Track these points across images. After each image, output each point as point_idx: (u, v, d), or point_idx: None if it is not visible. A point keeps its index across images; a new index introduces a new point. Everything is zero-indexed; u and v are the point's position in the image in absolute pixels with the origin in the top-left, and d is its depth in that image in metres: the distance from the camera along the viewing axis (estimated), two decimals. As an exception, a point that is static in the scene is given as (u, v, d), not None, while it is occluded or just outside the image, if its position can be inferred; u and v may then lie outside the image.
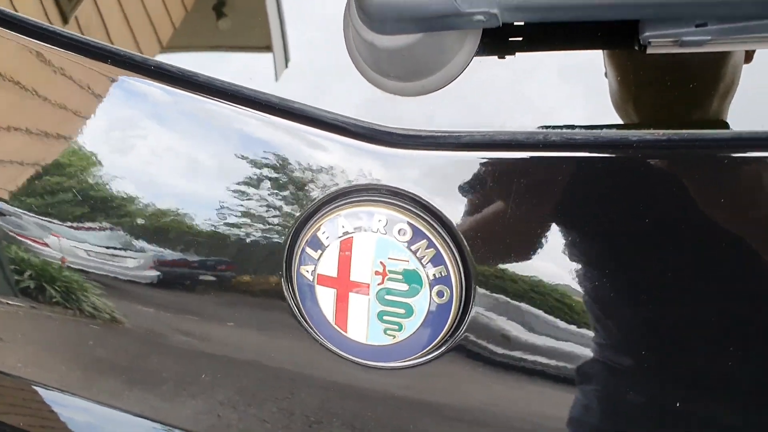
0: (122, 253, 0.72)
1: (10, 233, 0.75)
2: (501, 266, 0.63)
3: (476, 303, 0.64)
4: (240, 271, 0.70)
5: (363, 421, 0.73)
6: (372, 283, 0.64)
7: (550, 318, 0.64)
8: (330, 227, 0.64)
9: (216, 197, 0.69)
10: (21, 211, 0.74)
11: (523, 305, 0.64)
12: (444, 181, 0.63)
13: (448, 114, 0.63)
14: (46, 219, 0.73)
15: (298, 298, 0.68)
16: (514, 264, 0.64)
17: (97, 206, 0.71)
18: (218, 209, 0.69)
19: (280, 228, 0.68)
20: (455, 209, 0.63)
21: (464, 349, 0.66)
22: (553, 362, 0.65)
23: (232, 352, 0.74)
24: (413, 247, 0.62)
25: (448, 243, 0.63)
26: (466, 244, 0.63)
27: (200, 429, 0.79)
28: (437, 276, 0.63)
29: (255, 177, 0.68)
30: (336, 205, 0.64)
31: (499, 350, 0.66)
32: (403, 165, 0.64)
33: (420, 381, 0.69)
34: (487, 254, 0.63)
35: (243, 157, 0.68)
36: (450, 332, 0.65)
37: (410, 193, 0.63)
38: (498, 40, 0.61)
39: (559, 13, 0.52)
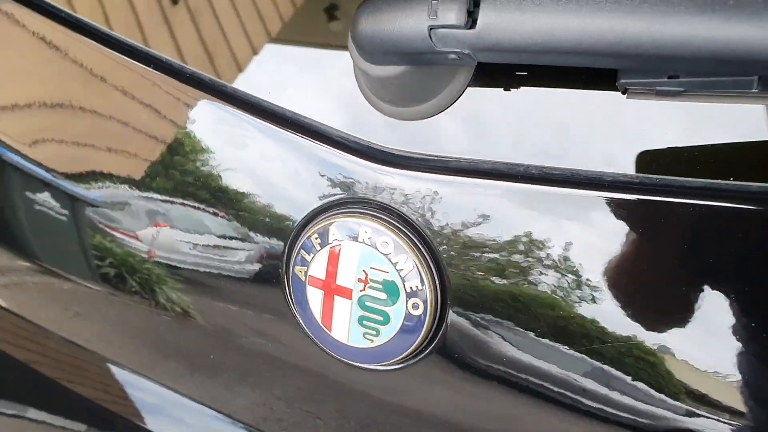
0: (227, 243, 0.78)
1: (101, 224, 0.81)
2: (476, 286, 0.67)
3: (451, 318, 0.68)
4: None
5: (337, 418, 0.78)
6: (355, 288, 0.69)
7: (526, 338, 0.67)
8: (322, 233, 0.69)
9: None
10: (139, 196, 0.79)
11: (497, 321, 0.67)
12: (430, 201, 0.67)
13: (448, 139, 0.67)
14: (161, 204, 0.79)
15: (292, 297, 0.73)
16: (490, 285, 0.67)
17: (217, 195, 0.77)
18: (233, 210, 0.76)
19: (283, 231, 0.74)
20: (438, 229, 0.67)
21: (438, 359, 0.70)
22: (524, 379, 0.68)
23: (294, 357, 0.79)
24: (394, 260, 0.67)
25: (427, 260, 0.67)
26: (444, 262, 0.67)
27: (252, 419, 0.85)
28: (413, 289, 0.67)
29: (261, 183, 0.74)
30: (330, 213, 0.70)
31: (472, 363, 0.70)
32: (394, 183, 0.68)
33: (397, 385, 0.74)
34: (464, 274, 0.67)
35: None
36: (424, 342, 0.69)
37: (397, 209, 0.68)
38: (503, 73, 0.64)
39: (531, 57, 0.55)
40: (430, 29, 0.55)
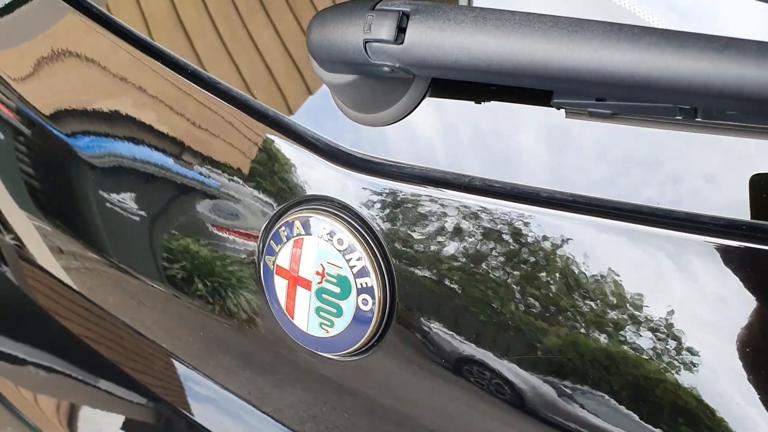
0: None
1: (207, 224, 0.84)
2: (422, 286, 0.71)
3: (399, 314, 0.72)
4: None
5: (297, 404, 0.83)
6: (313, 281, 0.74)
7: (466, 335, 0.70)
8: (288, 227, 0.75)
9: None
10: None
11: (441, 318, 0.71)
12: (386, 204, 0.71)
13: (409, 146, 0.71)
14: None
15: (263, 285, 0.79)
16: (435, 285, 0.70)
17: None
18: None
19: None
20: (391, 231, 0.71)
21: (388, 352, 0.74)
22: (464, 375, 0.71)
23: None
24: (347, 257, 0.72)
25: (378, 259, 0.71)
26: (393, 262, 0.71)
27: (298, 418, 0.89)
28: (363, 286, 0.71)
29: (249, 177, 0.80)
30: (298, 208, 0.75)
31: (419, 357, 0.73)
32: (356, 184, 0.73)
33: (352, 374, 0.78)
34: (412, 274, 0.71)
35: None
36: (374, 336, 0.73)
37: (355, 209, 0.72)
38: (459, 86, 0.67)
39: (458, 74, 0.59)
40: (365, 42, 0.59)
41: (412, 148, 0.71)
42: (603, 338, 0.63)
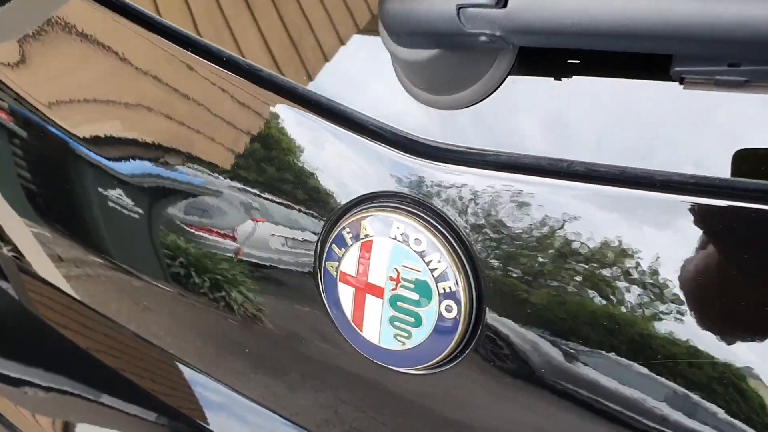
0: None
1: (181, 222, 0.78)
2: (516, 290, 0.62)
3: (487, 323, 0.64)
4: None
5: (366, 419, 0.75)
6: (386, 287, 0.65)
7: (570, 349, 0.62)
8: (353, 228, 0.66)
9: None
10: (229, 189, 0.75)
11: (537, 328, 0.62)
12: (468, 197, 0.63)
13: (486, 131, 0.62)
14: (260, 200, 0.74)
15: (324, 294, 0.70)
16: (530, 290, 0.62)
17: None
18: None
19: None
20: (475, 228, 0.63)
21: (474, 365, 0.66)
22: (566, 391, 0.63)
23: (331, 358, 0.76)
24: (427, 259, 0.63)
25: (462, 260, 0.63)
26: (480, 264, 0.63)
27: (314, 421, 0.83)
28: (447, 291, 0.63)
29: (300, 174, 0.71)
30: (363, 207, 0.66)
31: (508, 371, 0.65)
32: (431, 177, 0.64)
33: (430, 389, 0.70)
34: (502, 277, 0.62)
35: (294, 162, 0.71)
36: (459, 347, 0.65)
37: (432, 205, 0.64)
38: (550, 59, 0.59)
39: (569, 40, 0.50)
40: (459, 8, 0.50)
41: (493, 132, 0.63)
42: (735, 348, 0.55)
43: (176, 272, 0.83)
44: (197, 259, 0.80)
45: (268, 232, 0.74)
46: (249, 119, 0.74)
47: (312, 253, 0.71)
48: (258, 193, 0.73)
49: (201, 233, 0.79)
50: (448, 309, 0.63)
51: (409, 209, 0.64)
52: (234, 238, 0.77)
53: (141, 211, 0.83)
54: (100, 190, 0.86)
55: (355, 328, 0.69)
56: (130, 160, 0.83)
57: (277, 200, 0.73)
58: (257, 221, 0.75)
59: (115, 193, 0.84)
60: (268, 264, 0.75)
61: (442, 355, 0.65)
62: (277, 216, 0.73)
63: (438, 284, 0.63)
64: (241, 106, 0.74)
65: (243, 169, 0.74)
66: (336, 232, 0.67)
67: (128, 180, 0.83)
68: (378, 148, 0.66)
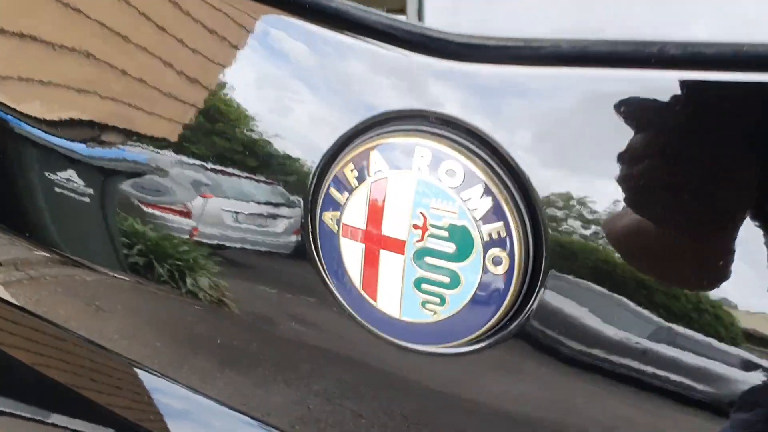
0: (276, 211, 0.59)
1: (136, 200, 0.66)
2: (590, 234, 0.46)
3: (549, 279, 0.47)
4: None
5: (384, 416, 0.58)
6: (409, 239, 0.48)
7: (651, 316, 0.46)
8: (360, 164, 0.48)
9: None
10: (175, 162, 0.62)
11: (612, 291, 0.46)
12: (516, 108, 0.46)
13: (521, 17, 0.45)
14: (203, 172, 0.61)
15: (321, 254, 0.53)
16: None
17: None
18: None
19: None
20: (530, 148, 0.46)
21: (529, 340, 0.49)
22: (650, 373, 0.47)
23: (337, 345, 0.61)
24: (464, 195, 0.46)
25: (512, 193, 0.46)
26: (539, 196, 0.46)
27: (287, 421, 0.70)
28: (494, 237, 0.46)
29: (276, 99, 0.53)
30: (370, 135, 0.49)
31: (576, 347, 0.48)
32: (461, 84, 0.47)
33: (468, 375, 0.53)
34: (571, 215, 0.46)
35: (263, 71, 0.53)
36: (509, 314, 0.48)
37: (467, 122, 0.47)
38: None
39: None
40: None
41: (535, 17, 0.46)
42: None
43: (134, 261, 0.70)
44: (155, 243, 0.67)
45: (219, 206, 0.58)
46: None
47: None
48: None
49: (156, 211, 0.62)
50: (497, 262, 0.46)
51: (435, 131, 0.47)
52: (188, 215, 0.60)
53: (93, 192, 0.70)
54: (47, 174, 0.71)
55: (366, 297, 0.51)
56: (83, 138, 0.67)
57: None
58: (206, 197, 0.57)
59: (65, 176, 0.70)
60: (227, 244, 0.59)
61: (488, 324, 0.48)
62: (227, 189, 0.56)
63: (482, 229, 0.46)
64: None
65: (191, 142, 0.57)
66: (334, 172, 0.50)
67: (81, 159, 0.66)
68: (384, 51, 0.48)
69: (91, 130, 0.67)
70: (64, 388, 0.85)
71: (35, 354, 0.90)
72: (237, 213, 0.60)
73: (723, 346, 0.45)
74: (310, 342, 0.63)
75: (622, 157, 0.43)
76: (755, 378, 0.45)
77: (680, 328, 0.46)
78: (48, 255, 0.79)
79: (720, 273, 0.43)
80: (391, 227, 0.49)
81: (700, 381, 0.46)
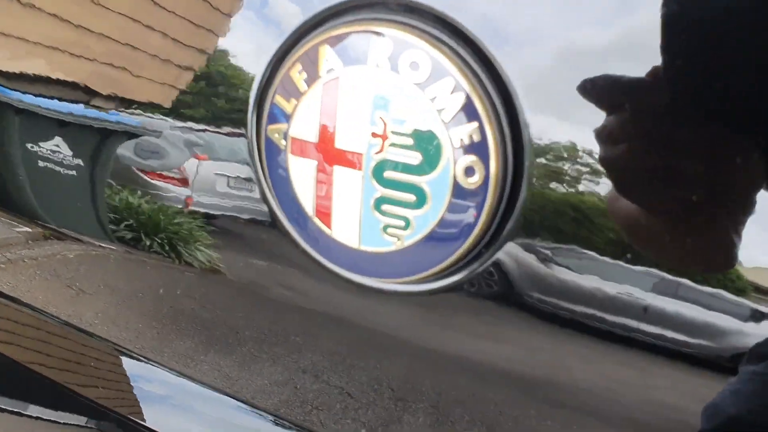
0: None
1: (136, 170, 0.61)
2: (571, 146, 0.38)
3: (531, 192, 0.39)
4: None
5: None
6: (367, 151, 0.41)
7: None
8: (309, 63, 0.41)
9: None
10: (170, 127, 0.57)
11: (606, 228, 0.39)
12: (489, -9, 0.38)
13: None
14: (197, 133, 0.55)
15: (268, 179, 0.45)
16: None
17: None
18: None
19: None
20: (507, 36, 0.38)
21: (507, 270, 0.42)
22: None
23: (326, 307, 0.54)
24: (430, 92, 0.38)
25: (487, 89, 0.38)
26: (519, 94, 0.38)
27: (273, 402, 0.65)
28: (466, 142, 0.38)
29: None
30: (321, 29, 0.41)
31: (562, 282, 0.41)
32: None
33: (439, 314, 0.45)
34: (557, 113, 0.38)
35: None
36: (484, 238, 0.40)
37: (432, 7, 0.39)
38: None
39: None
40: None
41: None
42: None
43: (123, 235, 0.66)
44: (149, 217, 0.63)
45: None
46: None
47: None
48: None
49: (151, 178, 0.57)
50: (469, 172, 0.39)
51: (397, 18, 0.39)
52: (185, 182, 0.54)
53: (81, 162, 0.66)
54: (30, 146, 0.66)
55: (320, 225, 0.44)
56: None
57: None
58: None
59: (50, 145, 0.66)
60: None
61: (460, 251, 0.41)
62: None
63: (451, 132, 0.38)
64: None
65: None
66: (280, 76, 0.42)
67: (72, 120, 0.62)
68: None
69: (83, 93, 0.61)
70: (43, 378, 0.81)
71: (11, 345, 0.86)
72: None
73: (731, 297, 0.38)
74: (270, 298, 0.55)
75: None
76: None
77: (683, 280, 0.38)
78: (29, 231, 0.75)
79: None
80: (345, 138, 0.41)
81: (701, 337, 0.39)
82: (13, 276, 0.82)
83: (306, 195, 0.44)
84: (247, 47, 0.46)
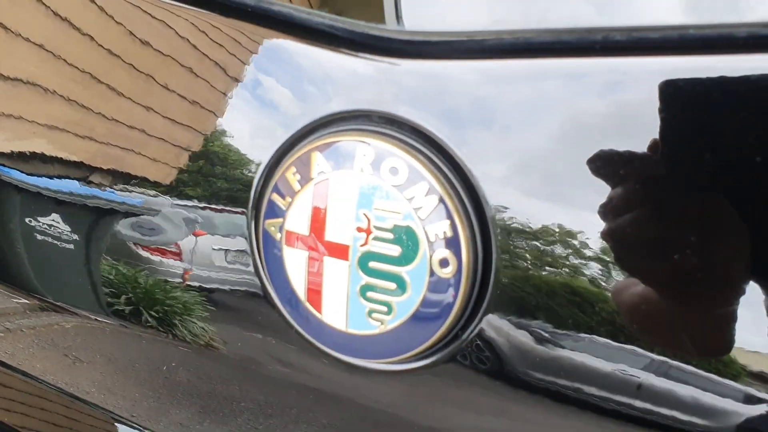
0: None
1: (132, 245, 0.64)
2: (540, 230, 0.43)
3: (501, 282, 0.44)
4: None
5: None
6: (353, 244, 0.46)
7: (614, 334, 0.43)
8: (302, 167, 0.46)
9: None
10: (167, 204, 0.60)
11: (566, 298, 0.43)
12: (460, 104, 0.44)
13: (464, 10, 0.44)
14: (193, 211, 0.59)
15: (265, 266, 0.50)
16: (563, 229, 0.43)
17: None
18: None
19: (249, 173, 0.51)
20: (475, 145, 0.44)
21: (482, 353, 0.46)
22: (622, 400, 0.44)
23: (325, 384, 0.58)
24: (408, 194, 0.44)
25: (458, 191, 0.44)
26: (485, 193, 0.44)
27: None
28: (440, 237, 0.44)
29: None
30: (312, 137, 0.47)
31: (534, 361, 0.45)
32: (402, 82, 0.46)
33: (421, 395, 0.50)
34: (519, 211, 0.44)
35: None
36: (459, 322, 0.45)
37: (410, 120, 0.45)
38: None
39: None
40: None
41: (480, 8, 0.45)
42: None
43: (120, 309, 0.68)
44: (146, 291, 0.64)
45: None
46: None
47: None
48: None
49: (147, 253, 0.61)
50: (444, 264, 0.44)
51: (378, 129, 0.45)
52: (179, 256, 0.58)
53: (78, 238, 0.68)
54: (28, 220, 0.69)
55: (311, 310, 0.49)
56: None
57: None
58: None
59: (48, 221, 0.68)
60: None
61: (438, 333, 0.46)
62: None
63: (427, 228, 0.44)
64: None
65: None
66: (276, 177, 0.48)
67: (67, 199, 0.64)
68: (319, 51, 0.47)
69: (80, 171, 0.65)
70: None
71: (11, 413, 0.88)
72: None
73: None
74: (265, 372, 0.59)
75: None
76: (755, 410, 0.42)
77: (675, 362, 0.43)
78: (27, 302, 0.76)
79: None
80: (334, 232, 0.46)
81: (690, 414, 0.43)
82: (11, 345, 0.82)
83: (299, 281, 0.49)
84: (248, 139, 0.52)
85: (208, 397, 0.68)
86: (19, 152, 0.69)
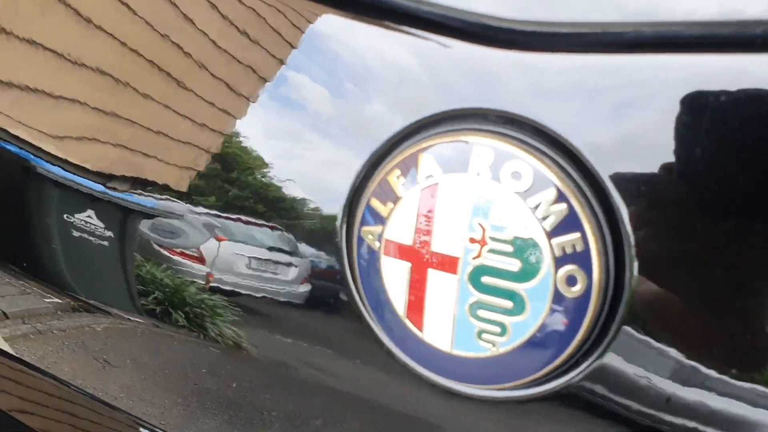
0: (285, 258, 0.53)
1: (156, 246, 0.62)
2: (683, 246, 0.38)
3: (637, 302, 0.39)
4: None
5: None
6: (464, 256, 0.41)
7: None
8: (408, 169, 0.42)
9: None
10: (187, 209, 0.58)
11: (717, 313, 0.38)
12: (592, 102, 0.40)
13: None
14: (215, 218, 0.56)
15: (357, 277, 0.46)
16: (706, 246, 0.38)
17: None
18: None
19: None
20: (608, 149, 0.39)
21: (607, 383, 0.41)
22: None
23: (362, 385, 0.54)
24: (532, 202, 0.39)
25: (589, 200, 0.39)
26: (622, 203, 0.39)
27: None
28: (568, 251, 0.39)
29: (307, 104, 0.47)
30: (420, 138, 0.42)
31: (664, 392, 0.40)
32: (526, 78, 0.41)
33: (528, 428, 0.45)
34: (658, 222, 0.39)
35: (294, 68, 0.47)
36: (583, 347, 0.40)
37: (534, 120, 0.40)
38: None
39: None
40: None
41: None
42: None
43: (151, 308, 0.66)
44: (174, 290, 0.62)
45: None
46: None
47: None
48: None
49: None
50: (571, 282, 0.39)
51: (497, 129, 0.40)
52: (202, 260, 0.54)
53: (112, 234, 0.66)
54: (66, 216, 0.67)
55: (411, 327, 0.44)
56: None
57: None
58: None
59: (84, 216, 0.66)
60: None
61: (558, 360, 0.41)
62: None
63: (553, 242, 0.39)
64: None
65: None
66: (377, 180, 0.43)
67: (101, 197, 0.62)
68: (435, 44, 0.43)
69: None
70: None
71: (38, 417, 0.87)
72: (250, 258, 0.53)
73: None
74: (332, 393, 0.55)
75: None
76: None
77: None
78: (59, 302, 0.74)
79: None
80: (442, 242, 0.42)
81: None
82: (42, 347, 0.81)
83: (398, 295, 0.44)
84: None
85: (238, 406, 0.65)
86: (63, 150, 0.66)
